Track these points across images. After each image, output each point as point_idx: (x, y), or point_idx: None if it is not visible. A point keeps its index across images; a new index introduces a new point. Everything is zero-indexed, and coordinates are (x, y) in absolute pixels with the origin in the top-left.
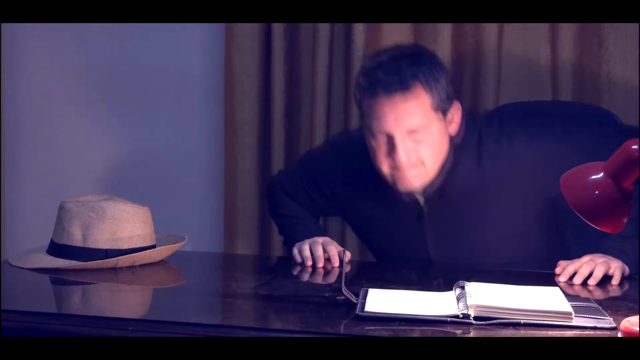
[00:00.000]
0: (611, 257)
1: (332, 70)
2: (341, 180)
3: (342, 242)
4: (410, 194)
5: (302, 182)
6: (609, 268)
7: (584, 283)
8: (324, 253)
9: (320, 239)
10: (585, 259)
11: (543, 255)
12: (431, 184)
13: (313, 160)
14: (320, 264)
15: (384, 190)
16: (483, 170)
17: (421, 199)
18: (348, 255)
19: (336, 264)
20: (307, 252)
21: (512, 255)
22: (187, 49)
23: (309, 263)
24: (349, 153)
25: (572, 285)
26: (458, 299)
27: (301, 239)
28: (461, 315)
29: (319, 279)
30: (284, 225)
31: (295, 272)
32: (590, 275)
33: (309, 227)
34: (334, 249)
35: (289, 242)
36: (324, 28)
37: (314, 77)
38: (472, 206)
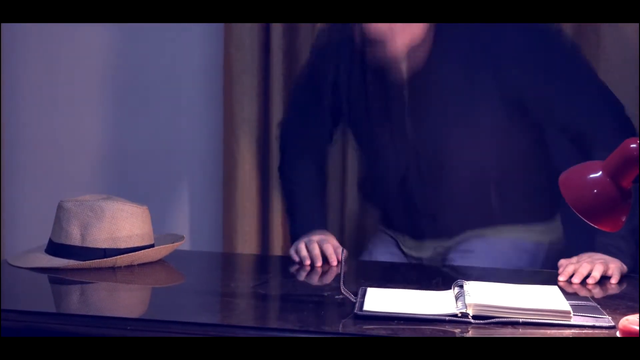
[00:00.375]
0: (609, 257)
1: None
2: (333, 78)
3: (340, 241)
4: (397, 77)
5: (302, 105)
6: (607, 268)
7: (583, 282)
8: (321, 252)
9: (316, 237)
10: (584, 257)
11: (522, 158)
12: (415, 72)
13: (303, 80)
14: (318, 263)
15: (372, 77)
16: (467, 63)
17: (406, 93)
18: (345, 254)
19: (334, 262)
20: (304, 252)
21: (491, 154)
22: (186, 48)
23: (307, 262)
24: (330, 52)
25: (571, 284)
26: (456, 298)
27: (298, 213)
28: (460, 314)
29: (317, 278)
30: (283, 189)
31: (292, 270)
32: (589, 275)
33: (307, 204)
34: (331, 247)
35: (289, 214)
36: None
37: None
38: (453, 98)
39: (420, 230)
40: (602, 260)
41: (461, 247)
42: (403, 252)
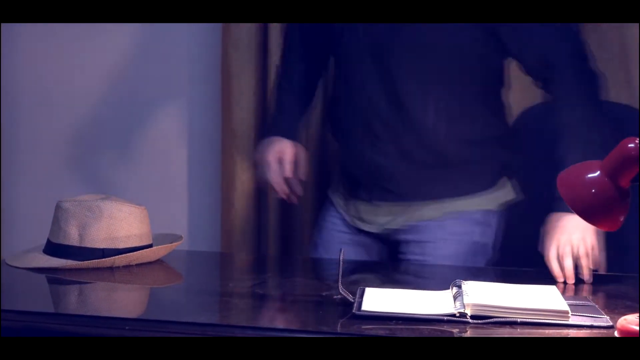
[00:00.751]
0: (582, 226)
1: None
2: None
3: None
4: None
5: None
6: (589, 245)
7: (578, 280)
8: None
9: (275, 167)
10: (562, 243)
11: (477, 100)
12: None
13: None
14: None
15: None
16: None
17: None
18: (344, 254)
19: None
20: (278, 189)
21: (445, 80)
22: (184, 48)
23: (285, 197)
24: None
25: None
26: (455, 298)
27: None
28: (458, 314)
29: (316, 278)
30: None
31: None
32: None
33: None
34: (279, 178)
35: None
36: None
37: None
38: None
39: (370, 178)
40: (579, 238)
41: (417, 238)
42: (356, 229)
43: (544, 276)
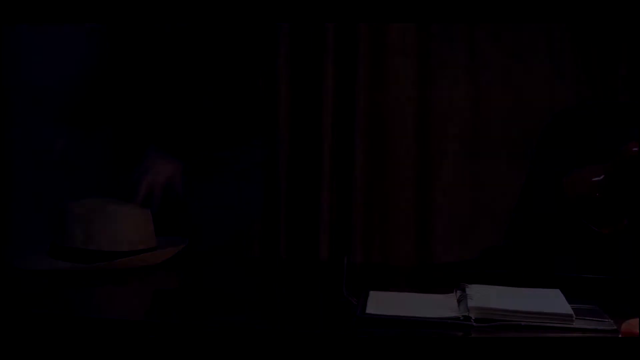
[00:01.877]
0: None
1: None
2: None
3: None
4: None
5: None
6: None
7: None
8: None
9: None
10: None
11: None
12: None
13: None
14: None
15: None
16: None
17: None
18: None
19: None
20: None
21: None
22: None
23: None
24: None
25: None
26: (459, 302)
27: None
28: (462, 318)
29: (319, 281)
30: None
31: None
32: None
33: None
34: None
35: None
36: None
37: None
38: None
39: None
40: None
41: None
42: None
43: (548, 279)
